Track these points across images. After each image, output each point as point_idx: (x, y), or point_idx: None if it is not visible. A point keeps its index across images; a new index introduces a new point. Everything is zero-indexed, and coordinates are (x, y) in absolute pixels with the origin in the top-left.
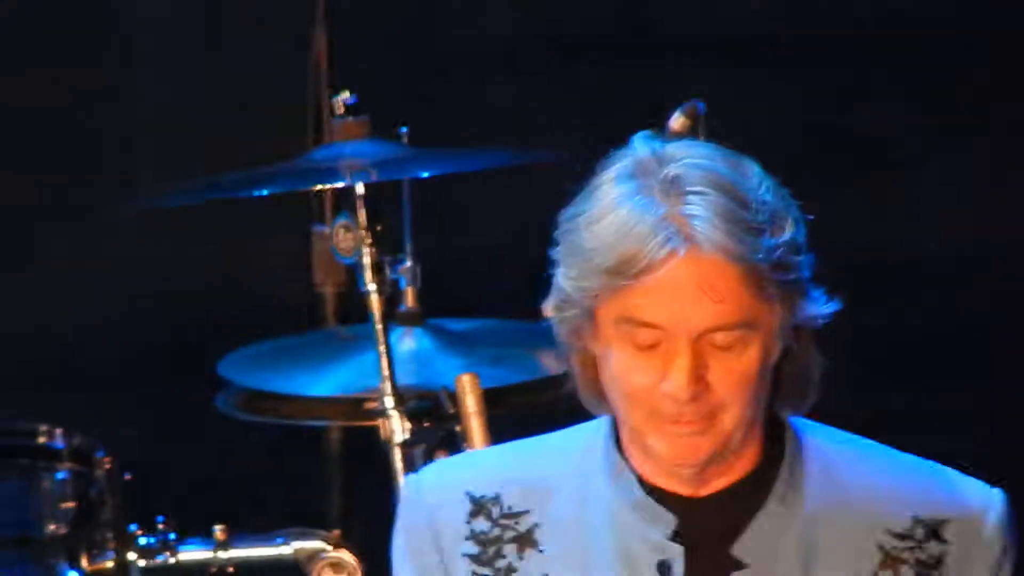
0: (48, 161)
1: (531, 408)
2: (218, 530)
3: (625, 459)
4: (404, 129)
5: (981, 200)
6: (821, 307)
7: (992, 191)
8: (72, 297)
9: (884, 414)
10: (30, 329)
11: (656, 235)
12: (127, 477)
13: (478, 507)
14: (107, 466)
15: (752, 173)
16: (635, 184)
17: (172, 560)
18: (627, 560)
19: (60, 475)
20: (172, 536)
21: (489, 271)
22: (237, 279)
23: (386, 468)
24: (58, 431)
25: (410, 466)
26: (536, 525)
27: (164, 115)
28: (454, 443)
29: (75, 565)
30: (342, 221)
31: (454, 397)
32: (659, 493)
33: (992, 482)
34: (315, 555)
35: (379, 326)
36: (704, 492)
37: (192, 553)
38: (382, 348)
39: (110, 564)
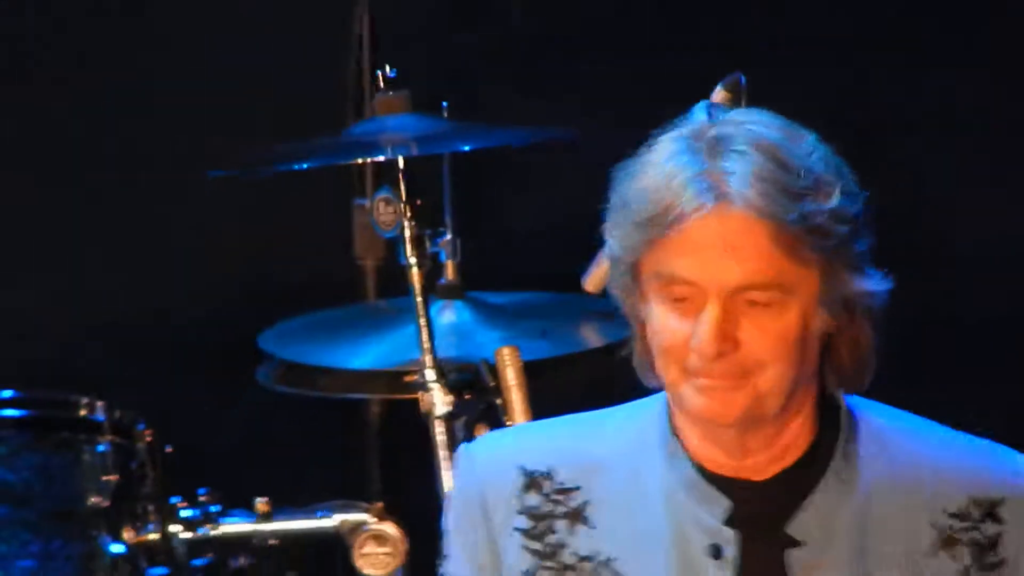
0: (92, 135)
1: (572, 381)
2: (260, 503)
3: (679, 441)
4: (445, 104)
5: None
6: (873, 284)
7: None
8: (115, 270)
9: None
10: (72, 302)
11: (690, 189)
12: (168, 450)
13: (530, 481)
14: (148, 439)
15: (804, 141)
16: (684, 143)
17: (214, 532)
18: (679, 541)
19: (101, 448)
20: (214, 508)
21: (530, 245)
22: (278, 253)
23: (426, 441)
24: (99, 404)
25: (451, 439)
26: (587, 502)
27: (207, 90)
28: (494, 416)
29: (117, 538)
30: (383, 195)
31: (494, 370)
32: (713, 476)
33: None
34: (358, 527)
35: (419, 299)
36: (758, 477)
37: (234, 526)
38: (422, 321)
39: (152, 536)
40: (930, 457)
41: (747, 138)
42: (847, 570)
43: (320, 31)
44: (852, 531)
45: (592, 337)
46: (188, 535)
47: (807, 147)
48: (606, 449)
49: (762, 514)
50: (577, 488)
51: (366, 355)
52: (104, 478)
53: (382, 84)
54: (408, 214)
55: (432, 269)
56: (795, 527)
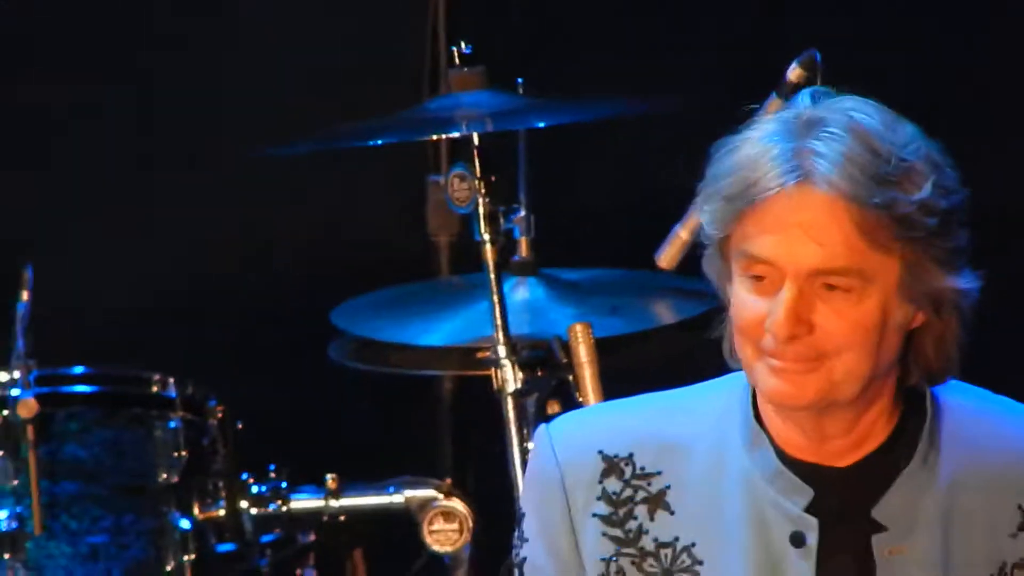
0: (164, 111)
1: (644, 358)
2: (329, 479)
3: (762, 426)
4: (520, 80)
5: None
6: (965, 282)
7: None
8: (188, 247)
9: None
10: (144, 279)
11: (777, 166)
12: (239, 426)
13: (610, 466)
14: (219, 415)
15: (902, 131)
16: (782, 123)
17: (283, 508)
18: (760, 528)
19: (173, 424)
20: (284, 484)
21: (605, 222)
22: (352, 229)
23: (498, 418)
24: (171, 380)
25: (522, 416)
26: (668, 487)
27: (282, 65)
28: (567, 393)
29: (187, 513)
30: (457, 171)
31: (567, 347)
32: (795, 463)
33: None
34: (426, 504)
35: (492, 275)
36: (840, 463)
37: (303, 502)
38: (495, 297)
39: (221, 512)
40: (1016, 439)
41: (842, 122)
42: (930, 553)
43: (396, 7)
44: (936, 514)
45: (665, 314)
46: (257, 511)
47: (903, 137)
48: (687, 432)
49: (845, 501)
50: (658, 473)
51: (438, 331)
52: (175, 454)
53: (457, 60)
54: (483, 190)
55: (506, 245)
56: (880, 512)
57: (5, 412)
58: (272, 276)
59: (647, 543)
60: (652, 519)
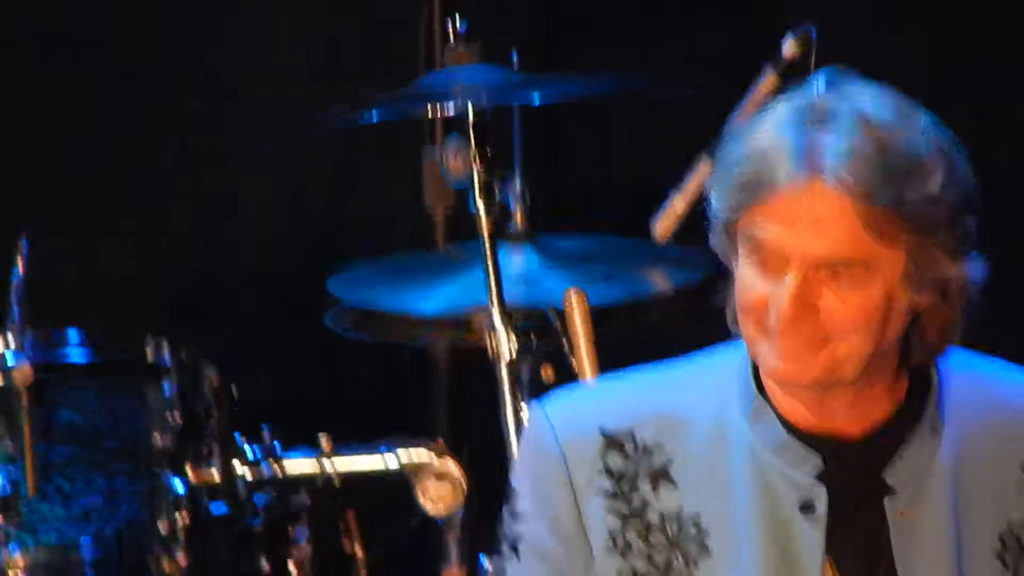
0: (180, 93)
1: (638, 326)
2: (323, 438)
3: (765, 397)
4: (514, 55)
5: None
6: (972, 271)
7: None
8: (186, 216)
9: None
10: (141, 245)
11: (787, 159)
12: (234, 392)
13: (611, 442)
14: (214, 380)
15: (914, 122)
16: (794, 112)
17: (277, 469)
18: (766, 496)
19: (167, 389)
20: (277, 445)
21: (600, 192)
22: (349, 202)
23: (493, 387)
24: (166, 345)
25: (517, 382)
26: (670, 460)
27: (278, 43)
28: (561, 356)
29: (180, 475)
30: (452, 144)
31: (562, 316)
32: (801, 433)
33: None
34: (419, 464)
35: (487, 244)
36: (846, 434)
37: (296, 462)
38: (490, 265)
39: (215, 473)
40: (1019, 400)
41: (853, 115)
42: (941, 515)
43: None
44: (944, 477)
45: (659, 282)
46: (250, 473)
47: (915, 129)
48: (687, 404)
49: (854, 469)
50: (660, 446)
51: (434, 299)
52: (169, 419)
53: (452, 37)
54: (477, 162)
55: (500, 215)
56: (889, 475)
57: (0, 379)
58: (271, 245)
59: (652, 516)
60: (656, 492)
